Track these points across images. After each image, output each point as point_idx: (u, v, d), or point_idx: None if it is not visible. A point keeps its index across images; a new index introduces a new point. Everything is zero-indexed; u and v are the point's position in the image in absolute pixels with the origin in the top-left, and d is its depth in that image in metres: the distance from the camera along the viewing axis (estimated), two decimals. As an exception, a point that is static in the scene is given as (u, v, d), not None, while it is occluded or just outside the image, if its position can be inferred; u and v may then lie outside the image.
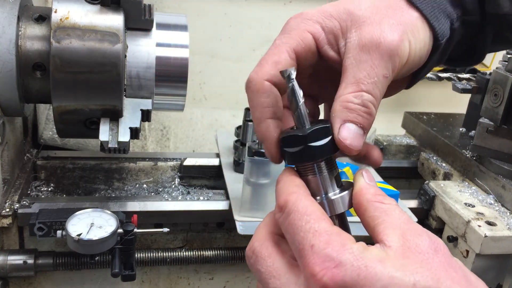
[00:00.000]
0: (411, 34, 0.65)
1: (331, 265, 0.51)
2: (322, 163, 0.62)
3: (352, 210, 0.63)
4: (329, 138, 0.61)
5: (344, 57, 0.65)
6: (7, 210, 1.15)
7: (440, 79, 1.60)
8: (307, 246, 0.54)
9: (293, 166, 0.64)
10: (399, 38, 0.63)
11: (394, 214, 0.58)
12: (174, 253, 1.26)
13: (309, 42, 0.67)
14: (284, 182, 0.62)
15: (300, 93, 0.60)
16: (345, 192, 0.62)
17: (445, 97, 2.23)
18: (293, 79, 0.60)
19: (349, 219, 0.66)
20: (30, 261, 1.15)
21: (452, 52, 0.76)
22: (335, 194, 0.62)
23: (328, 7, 0.68)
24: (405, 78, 0.74)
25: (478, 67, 2.09)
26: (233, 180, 1.38)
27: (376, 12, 0.66)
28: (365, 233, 0.60)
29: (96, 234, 1.06)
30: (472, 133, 1.60)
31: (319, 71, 0.72)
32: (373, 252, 0.53)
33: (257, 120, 0.64)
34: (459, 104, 1.84)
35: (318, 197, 0.62)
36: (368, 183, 0.62)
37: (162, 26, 1.16)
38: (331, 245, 0.53)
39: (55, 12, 1.04)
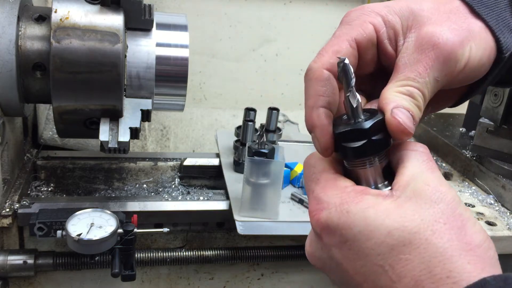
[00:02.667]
0: (473, 41, 0.62)
1: (320, 207, 0.57)
2: (377, 156, 0.60)
3: None
4: (386, 131, 0.59)
5: (398, 56, 0.63)
6: (7, 210, 1.15)
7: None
8: (309, 192, 0.61)
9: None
10: (459, 41, 0.61)
11: (414, 161, 0.58)
12: (174, 253, 1.26)
13: (371, 33, 0.64)
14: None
15: (352, 76, 0.58)
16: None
17: (445, 97, 2.23)
18: (347, 63, 0.58)
19: None
20: (30, 261, 1.15)
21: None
22: (384, 185, 0.60)
23: (391, 3, 0.66)
24: (457, 91, 0.70)
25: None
26: (233, 180, 1.38)
27: (438, 14, 0.63)
28: None
29: (96, 234, 1.06)
30: (472, 133, 1.60)
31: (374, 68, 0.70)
32: (365, 199, 0.55)
33: (309, 108, 0.62)
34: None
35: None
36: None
37: (162, 26, 1.16)
38: (325, 190, 0.58)
39: (55, 12, 1.04)
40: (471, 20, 0.64)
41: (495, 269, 0.53)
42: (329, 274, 0.61)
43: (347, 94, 0.58)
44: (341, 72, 0.58)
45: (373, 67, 0.68)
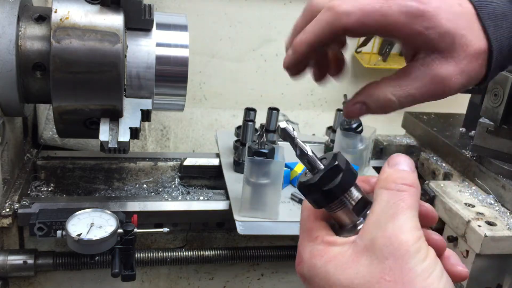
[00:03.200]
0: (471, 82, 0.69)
1: (298, 261, 0.62)
2: (346, 195, 0.61)
3: None
4: (341, 173, 0.60)
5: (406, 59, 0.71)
6: (7, 210, 1.15)
7: (440, 79, 1.60)
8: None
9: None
10: (458, 89, 0.68)
11: (382, 203, 0.58)
12: (174, 253, 1.26)
13: None
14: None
15: (294, 135, 0.62)
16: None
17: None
18: (283, 128, 0.61)
19: None
20: (30, 261, 1.15)
21: None
22: (361, 222, 0.61)
23: None
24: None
25: (478, 67, 2.09)
26: (233, 180, 1.38)
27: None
28: None
29: (96, 234, 1.06)
30: (472, 133, 1.60)
31: None
32: (329, 251, 0.59)
33: (303, 37, 0.70)
34: (459, 104, 1.84)
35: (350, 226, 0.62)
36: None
37: (162, 26, 1.16)
38: (303, 241, 0.63)
39: (55, 12, 1.04)
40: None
41: None
42: None
43: (297, 154, 0.62)
44: (282, 136, 0.62)
45: None
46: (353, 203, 0.61)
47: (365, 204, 0.62)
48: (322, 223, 0.63)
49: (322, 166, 0.61)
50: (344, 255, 0.57)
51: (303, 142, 0.63)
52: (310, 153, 0.61)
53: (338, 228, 0.64)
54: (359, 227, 0.60)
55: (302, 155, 0.61)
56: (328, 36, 0.67)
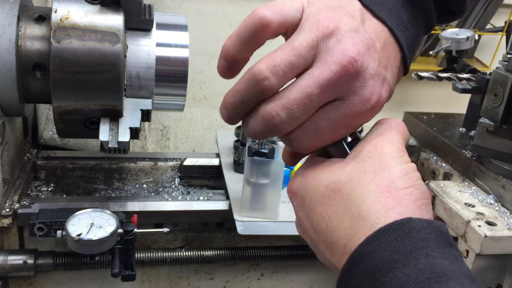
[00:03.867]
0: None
1: (292, 179, 0.68)
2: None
3: None
4: None
5: None
6: (7, 210, 1.15)
7: (440, 79, 1.60)
8: None
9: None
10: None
11: (373, 130, 0.66)
12: (174, 253, 1.26)
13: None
14: None
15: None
16: None
17: (445, 97, 2.23)
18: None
19: None
20: (30, 261, 1.15)
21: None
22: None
23: None
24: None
25: (478, 67, 2.09)
26: (233, 180, 1.38)
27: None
28: None
29: (96, 234, 1.06)
30: (472, 133, 1.60)
31: None
32: (320, 163, 0.65)
33: (233, 39, 0.72)
34: (459, 104, 1.84)
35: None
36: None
37: (162, 26, 1.16)
38: (300, 166, 0.69)
39: (55, 12, 1.04)
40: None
41: (414, 212, 0.57)
42: (304, 236, 0.69)
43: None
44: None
45: None
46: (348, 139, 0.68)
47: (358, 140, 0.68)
48: (317, 155, 0.70)
49: None
50: (333, 165, 0.64)
51: None
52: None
53: None
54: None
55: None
56: (248, 35, 0.70)
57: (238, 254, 1.29)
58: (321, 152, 0.70)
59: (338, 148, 0.67)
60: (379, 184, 0.58)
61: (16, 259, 1.15)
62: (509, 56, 1.37)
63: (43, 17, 1.10)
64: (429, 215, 0.59)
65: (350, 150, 0.66)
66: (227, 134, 1.59)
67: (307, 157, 0.71)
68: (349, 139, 0.67)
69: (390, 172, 0.59)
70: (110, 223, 1.09)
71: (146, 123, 1.90)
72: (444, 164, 1.56)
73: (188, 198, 1.37)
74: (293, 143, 0.65)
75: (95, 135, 1.09)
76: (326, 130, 0.63)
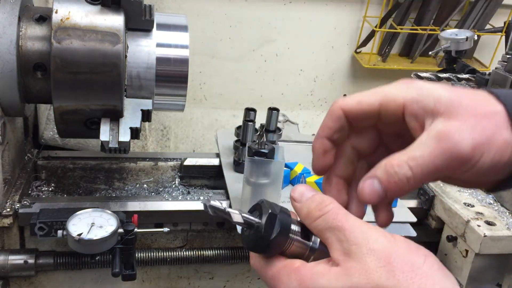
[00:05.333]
0: (488, 144, 0.62)
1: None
2: (291, 230, 0.65)
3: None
4: (277, 216, 0.65)
5: (417, 134, 0.65)
6: (8, 210, 1.15)
7: (440, 79, 1.60)
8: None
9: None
10: (472, 147, 0.61)
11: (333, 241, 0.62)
12: (174, 253, 1.26)
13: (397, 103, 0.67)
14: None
15: (223, 208, 0.63)
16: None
17: (444, 97, 2.24)
18: (208, 206, 0.62)
19: None
20: (31, 261, 1.16)
21: None
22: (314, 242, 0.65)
23: (436, 85, 0.67)
24: (485, 179, 0.69)
25: (477, 67, 2.10)
26: (233, 180, 1.39)
27: (470, 113, 0.63)
28: None
29: (97, 233, 1.06)
30: (472, 133, 1.60)
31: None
32: (316, 271, 0.61)
33: (316, 134, 0.71)
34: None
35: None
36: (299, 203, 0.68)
37: (162, 27, 1.17)
38: (281, 279, 0.63)
39: (56, 12, 1.04)
40: (502, 131, 0.63)
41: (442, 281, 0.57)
42: None
43: (232, 221, 0.63)
44: (212, 212, 0.62)
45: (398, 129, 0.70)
46: (299, 233, 0.66)
47: (306, 228, 0.66)
48: (287, 259, 0.65)
49: (258, 220, 0.64)
50: (331, 270, 0.60)
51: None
52: (242, 214, 0.64)
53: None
54: (316, 247, 0.65)
55: (235, 220, 0.63)
56: (334, 125, 0.69)
57: (238, 253, 1.30)
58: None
59: (298, 244, 0.64)
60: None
61: (17, 259, 1.15)
62: (508, 56, 1.37)
63: (43, 18, 1.10)
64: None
65: (304, 237, 0.65)
66: (227, 134, 1.59)
67: (270, 268, 0.66)
68: (297, 228, 0.65)
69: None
70: (111, 223, 1.09)
71: (147, 123, 1.90)
72: (443, 164, 1.56)
73: (188, 198, 1.38)
74: None
75: (96, 135, 1.10)
76: None
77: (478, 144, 0.62)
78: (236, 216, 0.63)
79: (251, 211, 0.66)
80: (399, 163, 0.63)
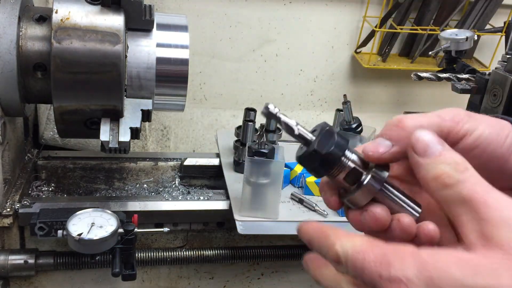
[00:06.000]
0: None
1: (401, 261, 0.48)
2: (345, 155, 0.61)
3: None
4: (335, 136, 0.61)
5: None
6: (8, 210, 1.15)
7: (440, 79, 1.60)
8: (375, 278, 0.50)
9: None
10: None
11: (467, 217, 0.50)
12: (174, 253, 1.26)
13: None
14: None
15: (290, 121, 0.62)
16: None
17: (444, 97, 2.24)
18: (276, 112, 0.62)
19: None
20: (31, 261, 1.16)
21: None
22: (363, 179, 0.61)
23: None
24: None
25: (477, 67, 2.10)
26: (233, 180, 1.39)
27: None
28: None
29: (97, 233, 1.06)
30: (472, 133, 1.60)
31: None
32: (442, 257, 0.47)
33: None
34: (458, 104, 1.84)
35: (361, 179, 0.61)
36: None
37: (162, 27, 1.17)
38: (391, 263, 0.48)
39: (56, 12, 1.04)
40: None
41: None
42: None
43: (286, 130, 0.62)
44: (267, 115, 0.63)
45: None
46: (353, 163, 0.61)
47: (364, 162, 0.62)
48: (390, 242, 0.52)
49: (313, 137, 0.61)
50: (464, 257, 0.47)
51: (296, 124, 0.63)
52: (297, 131, 0.62)
53: (343, 192, 0.64)
54: (365, 182, 0.60)
55: (291, 132, 0.62)
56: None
57: (238, 253, 1.30)
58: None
59: (349, 174, 0.60)
60: None
61: (17, 259, 1.15)
62: (508, 56, 1.37)
63: (44, 18, 1.11)
64: None
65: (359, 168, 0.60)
66: (227, 134, 1.59)
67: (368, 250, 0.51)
68: (353, 157, 0.61)
69: None
70: (111, 223, 1.09)
71: (147, 123, 1.90)
72: (443, 164, 1.56)
73: (188, 198, 1.38)
74: None
75: (96, 135, 1.10)
76: None
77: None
78: (293, 126, 0.62)
79: (314, 130, 0.63)
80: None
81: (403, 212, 0.60)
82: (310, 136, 0.61)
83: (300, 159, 0.62)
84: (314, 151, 0.60)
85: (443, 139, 0.56)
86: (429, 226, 0.57)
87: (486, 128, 0.59)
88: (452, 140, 0.59)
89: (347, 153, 0.62)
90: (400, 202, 0.61)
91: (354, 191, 0.61)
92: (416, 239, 0.57)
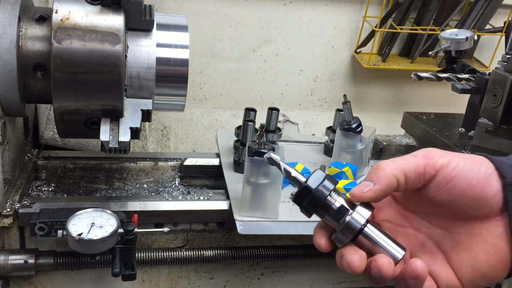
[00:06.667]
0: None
1: None
2: (333, 196, 0.70)
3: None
4: (324, 175, 0.71)
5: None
6: (8, 210, 1.15)
7: (440, 79, 1.60)
8: None
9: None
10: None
11: None
12: (174, 253, 1.26)
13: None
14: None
15: (288, 167, 0.74)
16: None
17: (444, 97, 2.24)
18: (269, 157, 0.76)
19: None
20: (31, 261, 1.16)
21: None
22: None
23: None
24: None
25: (477, 67, 2.10)
26: (233, 180, 1.39)
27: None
28: None
29: (97, 233, 1.06)
30: (472, 133, 1.60)
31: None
32: None
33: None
34: (459, 104, 1.84)
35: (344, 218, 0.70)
36: None
37: (162, 27, 1.17)
38: None
39: (56, 12, 1.04)
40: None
41: None
42: None
43: (285, 175, 0.75)
44: (269, 162, 0.77)
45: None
46: (339, 203, 0.69)
47: (350, 203, 0.69)
48: None
49: (305, 179, 0.72)
50: None
51: (290, 167, 0.75)
52: (293, 173, 0.73)
53: (332, 232, 0.71)
54: (347, 219, 0.68)
55: (288, 175, 0.73)
56: None
57: (238, 253, 1.30)
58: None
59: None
60: None
61: (17, 259, 1.15)
62: (508, 56, 1.37)
63: (44, 18, 1.11)
64: None
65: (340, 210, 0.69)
66: (227, 134, 1.59)
67: None
68: (338, 200, 0.71)
69: None
70: (111, 223, 1.09)
71: (147, 123, 1.91)
72: (443, 164, 1.56)
73: (188, 198, 1.38)
74: None
75: (96, 135, 1.10)
76: None
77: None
78: (291, 171, 0.73)
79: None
80: None
81: (384, 253, 0.65)
82: (303, 179, 0.71)
83: (294, 197, 0.71)
84: (304, 187, 0.70)
85: (421, 174, 0.67)
86: (417, 263, 0.63)
87: (461, 159, 0.68)
88: (430, 173, 0.67)
89: (334, 194, 0.70)
90: (382, 242, 0.67)
91: (338, 229, 0.68)
92: (404, 276, 0.66)
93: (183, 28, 1.20)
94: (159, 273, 1.33)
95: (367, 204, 0.69)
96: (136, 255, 1.22)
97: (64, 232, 1.08)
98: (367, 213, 0.68)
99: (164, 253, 1.26)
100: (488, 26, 2.13)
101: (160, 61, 1.14)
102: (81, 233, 1.05)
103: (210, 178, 1.52)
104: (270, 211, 1.25)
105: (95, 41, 1.05)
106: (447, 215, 0.70)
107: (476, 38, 1.71)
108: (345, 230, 0.67)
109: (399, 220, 0.73)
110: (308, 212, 0.71)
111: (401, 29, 2.04)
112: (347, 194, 0.71)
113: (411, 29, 2.06)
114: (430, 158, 0.68)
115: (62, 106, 1.08)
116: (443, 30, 1.96)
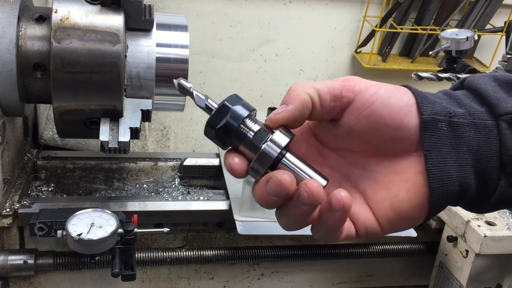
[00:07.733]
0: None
1: None
2: (246, 125, 0.63)
3: None
4: (242, 98, 0.64)
5: None
6: (8, 210, 1.15)
7: (440, 79, 1.60)
8: None
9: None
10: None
11: None
12: (174, 253, 1.26)
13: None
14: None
15: (189, 87, 0.65)
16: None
17: (445, 97, 2.23)
18: (179, 83, 0.64)
19: None
20: (31, 261, 1.16)
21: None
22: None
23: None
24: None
25: (478, 67, 2.09)
26: (233, 180, 1.38)
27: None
28: None
29: (97, 234, 1.06)
30: (472, 133, 1.60)
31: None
32: None
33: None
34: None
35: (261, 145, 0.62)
36: None
37: (162, 27, 1.17)
38: None
39: (56, 12, 1.04)
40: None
41: None
42: None
43: (196, 103, 0.64)
44: (179, 90, 0.64)
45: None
46: (252, 133, 0.63)
47: (266, 133, 0.63)
48: None
49: (216, 106, 0.63)
50: None
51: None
52: (208, 100, 0.64)
53: (248, 163, 0.64)
54: (262, 146, 0.61)
55: (200, 102, 0.64)
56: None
57: (238, 254, 1.29)
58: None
59: (247, 144, 0.63)
60: None
61: (16, 259, 1.15)
62: (508, 56, 1.37)
63: (43, 17, 1.10)
64: None
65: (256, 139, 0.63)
66: (227, 134, 1.59)
67: None
68: (254, 127, 0.64)
69: None
70: (110, 223, 1.09)
71: (146, 123, 1.90)
72: (443, 164, 1.56)
73: (188, 198, 1.37)
74: None
75: (96, 135, 1.10)
76: None
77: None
78: (200, 99, 0.63)
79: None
80: None
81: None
82: (214, 107, 0.63)
83: (207, 123, 0.63)
84: (222, 106, 0.62)
85: (337, 97, 0.64)
86: (341, 193, 0.59)
87: (382, 86, 0.64)
88: (348, 96, 0.64)
89: (248, 122, 0.63)
90: (305, 169, 0.62)
91: (254, 159, 0.61)
92: (328, 208, 0.61)
93: (183, 27, 1.19)
94: (159, 273, 1.33)
95: (286, 131, 0.63)
96: (136, 255, 1.21)
97: (64, 232, 1.08)
98: (285, 140, 0.62)
99: (164, 253, 1.25)
100: (488, 26, 2.13)
101: (160, 60, 1.14)
102: (81, 233, 1.05)
103: (210, 178, 1.52)
104: (270, 211, 1.25)
105: (95, 41, 1.04)
106: (366, 150, 0.65)
107: (476, 38, 1.70)
108: (261, 157, 0.61)
109: (315, 158, 0.68)
110: (221, 140, 0.63)
111: (401, 29, 2.04)
112: None
113: (411, 29, 2.06)
114: (349, 82, 0.64)
115: (61, 106, 1.08)
116: (443, 30, 1.96)
